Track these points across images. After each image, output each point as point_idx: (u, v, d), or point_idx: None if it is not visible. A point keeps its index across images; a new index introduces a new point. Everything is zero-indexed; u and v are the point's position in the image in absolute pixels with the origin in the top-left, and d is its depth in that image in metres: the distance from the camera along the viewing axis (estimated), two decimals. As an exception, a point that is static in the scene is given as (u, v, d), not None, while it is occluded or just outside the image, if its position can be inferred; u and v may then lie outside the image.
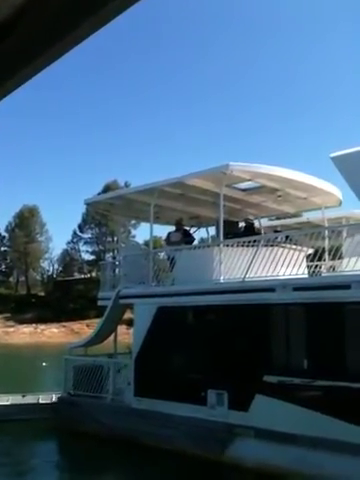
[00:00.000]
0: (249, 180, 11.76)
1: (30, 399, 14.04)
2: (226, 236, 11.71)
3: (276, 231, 13.32)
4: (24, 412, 13.18)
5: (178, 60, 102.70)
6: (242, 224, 14.03)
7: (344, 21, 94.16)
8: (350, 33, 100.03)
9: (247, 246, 10.70)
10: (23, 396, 14.18)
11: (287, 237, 11.40)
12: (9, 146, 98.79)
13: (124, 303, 13.04)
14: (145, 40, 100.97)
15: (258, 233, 12.43)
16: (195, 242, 14.37)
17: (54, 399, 13.97)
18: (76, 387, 13.26)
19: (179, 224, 13.80)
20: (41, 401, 13.93)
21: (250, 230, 12.56)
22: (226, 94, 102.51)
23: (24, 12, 1.33)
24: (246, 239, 10.91)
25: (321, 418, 8.69)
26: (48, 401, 13.97)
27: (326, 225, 12.75)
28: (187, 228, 14.66)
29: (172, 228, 14.24)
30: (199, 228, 15.82)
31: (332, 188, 12.34)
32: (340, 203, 13.11)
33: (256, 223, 14.53)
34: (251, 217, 13.52)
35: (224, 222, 12.03)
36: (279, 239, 11.30)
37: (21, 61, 1.46)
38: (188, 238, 13.58)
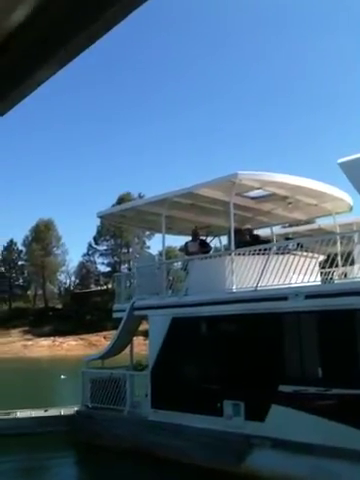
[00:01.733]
0: (258, 188, 11.77)
1: (52, 412, 14.14)
2: (238, 245, 11.71)
3: (287, 238, 13.25)
4: (43, 425, 13.27)
5: (182, 67, 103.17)
6: (262, 231, 14.04)
7: (349, 21, 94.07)
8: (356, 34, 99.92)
9: (258, 254, 10.69)
10: (45, 410, 14.33)
11: (298, 244, 11.35)
12: (21, 160, 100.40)
13: (139, 314, 13.09)
14: (152, 46, 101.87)
15: (262, 242, 12.39)
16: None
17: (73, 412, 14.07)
18: (93, 400, 13.31)
19: (196, 234, 13.84)
20: (62, 413, 14.03)
21: (255, 239, 12.54)
22: (230, 99, 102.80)
23: (25, 25, 1.37)
24: (258, 247, 10.91)
25: (337, 427, 8.58)
26: (68, 413, 14.06)
27: (338, 231, 12.68)
28: (203, 237, 14.68)
29: (186, 238, 14.31)
30: (214, 237, 15.84)
31: (342, 194, 12.28)
32: (351, 209, 13.04)
33: (265, 231, 14.52)
34: (249, 226, 13.51)
35: (236, 231, 12.05)
36: (290, 246, 11.25)
37: (24, 72, 1.49)
38: (206, 248, 13.62)
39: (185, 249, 14.01)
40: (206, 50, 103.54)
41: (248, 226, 13.37)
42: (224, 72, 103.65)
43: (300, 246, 11.20)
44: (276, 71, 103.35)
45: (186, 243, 13.99)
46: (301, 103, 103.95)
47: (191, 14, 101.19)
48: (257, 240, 12.71)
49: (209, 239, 15.31)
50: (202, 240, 14.16)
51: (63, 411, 14.18)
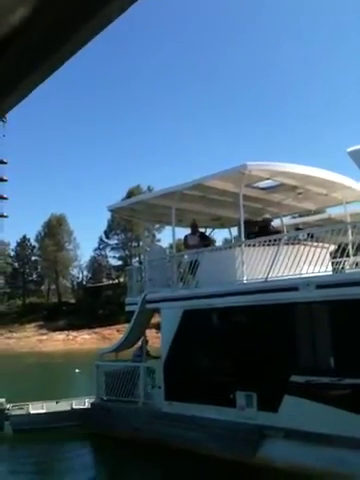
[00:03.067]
0: (268, 179, 11.71)
1: (64, 406, 14.25)
2: (249, 236, 11.68)
3: (297, 229, 13.18)
4: (59, 420, 13.40)
5: (195, 65, 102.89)
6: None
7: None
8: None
9: (268, 245, 10.66)
10: (57, 402, 14.43)
11: (308, 234, 11.29)
12: (32, 156, 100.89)
13: (151, 307, 13.15)
14: (156, 44, 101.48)
15: (274, 232, 12.23)
16: (218, 243, 14.34)
17: (87, 404, 14.20)
18: (108, 392, 13.43)
19: (195, 226, 13.81)
20: (74, 407, 14.14)
21: (265, 229, 12.44)
22: (240, 98, 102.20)
23: (22, 26, 1.38)
24: (267, 238, 10.87)
25: (350, 417, 8.57)
26: (81, 406, 14.17)
27: (348, 220, 12.58)
28: (202, 230, 14.63)
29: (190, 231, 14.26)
30: (213, 229, 15.78)
31: (352, 182, 12.16)
32: (362, 197, 12.93)
33: (276, 222, 14.36)
34: (268, 216, 13.25)
35: (246, 222, 12.01)
36: (300, 237, 11.19)
37: (23, 74, 1.50)
38: (206, 241, 13.60)
39: (184, 242, 13.98)
40: (216, 49, 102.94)
41: (267, 216, 13.17)
42: (238, 76, 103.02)
43: (310, 236, 11.14)
44: (286, 69, 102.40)
45: (185, 236, 13.96)
46: (311, 101, 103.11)
47: (197, 15, 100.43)
48: (266, 228, 12.53)
49: (208, 231, 15.27)
50: (202, 233, 14.13)
51: (74, 403, 14.25)
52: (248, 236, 11.62)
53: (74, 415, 13.64)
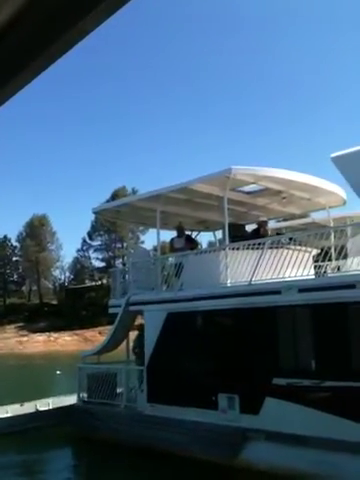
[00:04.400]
0: (253, 183, 11.82)
1: (29, 408, 14.05)
2: (233, 239, 11.76)
3: (279, 233, 13.30)
4: (22, 422, 13.17)
5: (181, 66, 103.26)
6: (254, 226, 13.98)
7: (349, 25, 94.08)
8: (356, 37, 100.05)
9: (252, 249, 10.76)
10: (21, 405, 14.25)
11: (291, 238, 11.43)
12: (16, 156, 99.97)
13: (134, 310, 13.13)
14: (147, 48, 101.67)
15: (266, 235, 12.35)
16: (203, 246, 14.38)
17: (51, 406, 14.14)
18: (90, 395, 13.37)
19: (180, 229, 13.85)
20: (39, 408, 13.98)
21: (257, 232, 12.55)
22: (228, 99, 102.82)
23: (19, 15, 1.37)
24: (251, 242, 10.97)
25: (331, 419, 8.68)
26: (46, 408, 14.07)
27: (331, 225, 12.76)
28: (188, 233, 14.69)
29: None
30: (200, 232, 15.85)
31: (335, 188, 12.35)
32: (344, 203, 13.13)
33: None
34: (263, 218, 13.33)
35: (231, 225, 12.09)
36: (283, 240, 11.32)
37: (18, 65, 1.49)
38: (192, 244, 13.65)
39: (170, 245, 14.01)
40: (207, 48, 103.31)
41: (264, 218, 13.21)
42: (225, 77, 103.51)
43: (294, 240, 11.27)
44: (275, 72, 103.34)
45: (172, 239, 14.00)
46: (298, 103, 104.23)
47: (189, 11, 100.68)
48: (258, 231, 12.57)
49: (194, 234, 15.34)
50: (188, 236, 14.18)
51: (39, 404, 14.13)
52: (234, 239, 11.70)
53: (39, 417, 13.52)
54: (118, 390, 13.11)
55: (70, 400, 14.41)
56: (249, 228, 14.24)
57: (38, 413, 13.84)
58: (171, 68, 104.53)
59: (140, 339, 12.80)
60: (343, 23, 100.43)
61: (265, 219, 13.17)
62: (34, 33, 1.41)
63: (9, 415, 13.60)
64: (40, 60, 1.48)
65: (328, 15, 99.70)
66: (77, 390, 13.83)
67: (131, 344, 14.60)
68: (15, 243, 74.09)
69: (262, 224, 12.71)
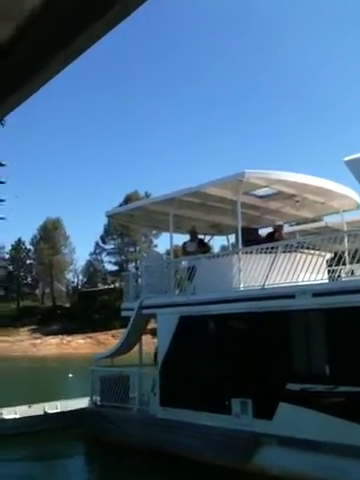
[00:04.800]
0: (266, 187, 11.80)
1: (37, 410, 14.14)
2: (246, 243, 11.73)
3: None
4: (31, 424, 13.26)
5: (191, 68, 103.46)
6: (267, 230, 13.94)
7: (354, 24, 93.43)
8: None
9: (265, 253, 10.72)
10: (29, 407, 14.36)
11: (305, 242, 11.35)
12: (29, 159, 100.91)
13: (147, 313, 13.16)
14: (156, 50, 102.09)
15: (280, 239, 12.29)
16: (216, 250, 14.37)
17: (59, 409, 14.23)
18: (103, 397, 13.41)
19: (193, 233, 13.87)
20: (47, 411, 14.04)
21: (272, 236, 12.49)
22: (238, 101, 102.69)
23: (25, 28, 1.39)
24: (264, 246, 10.94)
25: (345, 424, 8.61)
26: (55, 410, 14.15)
27: (345, 229, 12.67)
28: (201, 237, 14.70)
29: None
30: (213, 236, 15.84)
31: (349, 191, 12.27)
32: (358, 206, 13.03)
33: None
34: (279, 222, 13.28)
35: (244, 229, 12.07)
36: (296, 245, 11.26)
37: (24, 76, 1.52)
38: (204, 248, 13.65)
39: (183, 249, 14.03)
40: (214, 53, 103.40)
41: (280, 222, 13.18)
42: (233, 79, 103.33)
43: (307, 244, 11.20)
44: (284, 73, 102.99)
45: (184, 243, 14.02)
46: (309, 104, 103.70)
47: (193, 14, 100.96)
48: (272, 235, 12.53)
49: (207, 238, 15.33)
50: (200, 240, 14.18)
51: (47, 407, 14.22)
52: (246, 243, 11.68)
53: (46, 419, 13.58)
54: (131, 393, 13.13)
55: (78, 404, 14.55)
56: (263, 232, 14.21)
57: (46, 415, 13.91)
58: (181, 70, 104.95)
59: None
60: (349, 22, 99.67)
61: (281, 223, 13.12)
62: (47, 38, 1.44)
63: (17, 416, 13.71)
64: (54, 63, 1.50)
65: (334, 14, 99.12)
66: (90, 393, 13.88)
67: (144, 347, 14.65)
68: (29, 246, 74.79)
69: (278, 228, 12.67)
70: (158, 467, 10.50)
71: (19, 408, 14.16)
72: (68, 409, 14.29)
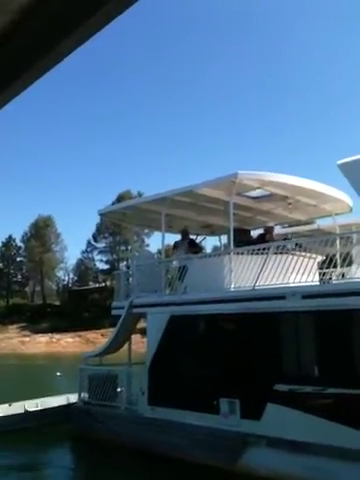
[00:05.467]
0: (259, 188, 11.83)
1: (17, 408, 13.96)
2: (238, 244, 11.76)
3: (285, 239, 13.30)
4: (13, 422, 13.10)
5: (188, 67, 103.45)
6: (259, 231, 13.99)
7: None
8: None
9: (257, 254, 10.75)
10: (9, 405, 14.14)
11: (297, 244, 11.42)
12: (22, 157, 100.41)
13: (137, 312, 13.14)
14: (151, 50, 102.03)
15: (271, 240, 12.35)
16: (208, 250, 14.40)
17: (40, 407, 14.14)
18: (91, 396, 13.37)
19: (185, 233, 13.88)
20: (28, 409, 13.92)
21: (263, 238, 12.54)
22: (233, 103, 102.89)
23: (20, 20, 1.38)
24: (255, 247, 10.97)
25: (332, 426, 8.65)
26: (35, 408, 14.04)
27: (337, 232, 12.74)
28: (193, 237, 14.72)
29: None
30: (205, 237, 15.86)
31: (342, 195, 12.34)
32: (351, 209, 13.11)
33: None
34: (270, 224, 13.35)
35: (236, 230, 12.09)
36: (289, 246, 11.31)
37: (22, 65, 1.50)
38: (195, 248, 13.67)
39: (174, 249, 14.04)
40: (216, 53, 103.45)
41: (271, 224, 13.24)
42: (230, 79, 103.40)
43: (299, 246, 11.26)
44: (278, 75, 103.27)
45: (175, 242, 14.04)
46: (302, 107, 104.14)
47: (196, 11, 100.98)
48: (263, 237, 12.58)
49: (199, 239, 15.35)
50: (191, 240, 14.20)
51: (27, 405, 14.06)
52: (239, 244, 11.70)
53: (28, 418, 13.48)
54: (119, 392, 13.10)
55: (59, 401, 14.53)
56: (254, 233, 14.25)
57: (26, 414, 13.78)
58: (175, 70, 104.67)
59: None
60: (350, 24, 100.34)
61: (272, 225, 13.17)
62: (38, 35, 1.43)
63: None
64: (44, 61, 1.50)
65: (335, 15, 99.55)
66: (78, 391, 13.84)
67: (133, 346, 14.62)
68: (20, 243, 74.36)
69: (269, 230, 12.72)
70: (144, 466, 10.48)
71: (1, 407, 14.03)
72: (48, 407, 14.21)
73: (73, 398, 14.41)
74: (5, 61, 1.53)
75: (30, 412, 13.86)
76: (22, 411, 13.83)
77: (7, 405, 14.10)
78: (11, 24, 1.41)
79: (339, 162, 10.07)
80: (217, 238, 16.56)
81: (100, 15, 1.33)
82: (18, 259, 75.12)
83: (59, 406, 14.22)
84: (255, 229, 14.61)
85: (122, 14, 1.35)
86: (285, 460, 9.00)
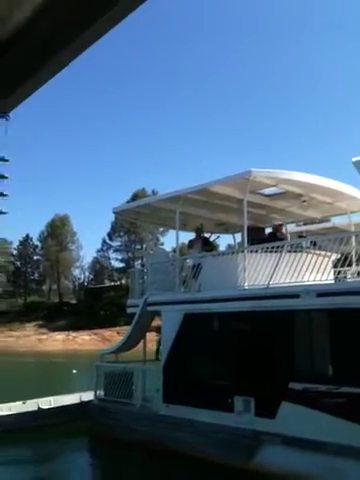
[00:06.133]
0: (273, 186, 11.78)
1: (31, 406, 14.13)
2: (252, 242, 11.73)
3: (300, 237, 13.24)
4: (26, 420, 13.21)
5: (202, 68, 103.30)
6: (269, 230, 14.00)
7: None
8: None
9: (271, 252, 10.71)
10: (23, 403, 14.31)
11: (312, 242, 11.36)
12: (39, 158, 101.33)
13: (152, 310, 13.20)
14: (168, 49, 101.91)
15: (282, 239, 12.35)
16: (222, 248, 14.42)
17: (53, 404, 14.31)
18: (106, 393, 13.48)
19: (199, 231, 13.91)
20: (42, 406, 14.05)
21: (274, 236, 12.52)
22: (247, 103, 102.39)
23: (27, 25, 1.42)
24: (270, 245, 10.93)
25: (347, 425, 8.59)
26: (48, 406, 14.20)
27: (353, 230, 12.62)
28: (207, 235, 14.74)
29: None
30: (219, 236, 15.87)
31: (358, 192, 12.21)
32: (366, 208, 12.98)
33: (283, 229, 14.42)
34: (279, 222, 13.36)
35: (250, 228, 12.06)
36: (304, 245, 11.25)
37: (28, 71, 1.55)
38: (208, 246, 13.70)
39: (189, 248, 14.12)
40: (230, 54, 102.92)
41: (280, 222, 13.24)
42: (243, 80, 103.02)
43: (313, 244, 11.20)
44: (293, 75, 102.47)
45: (190, 241, 14.10)
46: (318, 105, 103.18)
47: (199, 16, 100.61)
48: (274, 235, 12.60)
49: (213, 237, 15.36)
50: (205, 238, 14.23)
51: (41, 402, 14.22)
52: (252, 242, 11.68)
53: (42, 415, 13.57)
54: (134, 390, 13.17)
55: (72, 399, 14.66)
56: (268, 231, 14.20)
57: (40, 411, 13.91)
58: (191, 68, 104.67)
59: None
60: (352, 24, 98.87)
61: (281, 222, 13.14)
62: (50, 35, 1.47)
63: (11, 412, 13.68)
64: (57, 60, 1.53)
65: (338, 17, 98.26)
66: (94, 388, 13.95)
67: (148, 344, 14.69)
68: (37, 242, 75.21)
69: (278, 228, 12.70)
70: (158, 464, 10.53)
71: (13, 404, 14.17)
72: (61, 404, 14.34)
73: (86, 396, 14.55)
74: (13, 65, 1.57)
75: (43, 410, 14.02)
76: (36, 409, 14.00)
77: (21, 402, 14.30)
78: (17, 30, 1.45)
79: (354, 159, 9.99)
80: (231, 236, 16.55)
81: (106, 18, 1.36)
82: (35, 258, 76.01)
83: (72, 404, 14.33)
84: (269, 227, 14.56)
85: (127, 16, 1.38)
86: (299, 459, 8.97)
